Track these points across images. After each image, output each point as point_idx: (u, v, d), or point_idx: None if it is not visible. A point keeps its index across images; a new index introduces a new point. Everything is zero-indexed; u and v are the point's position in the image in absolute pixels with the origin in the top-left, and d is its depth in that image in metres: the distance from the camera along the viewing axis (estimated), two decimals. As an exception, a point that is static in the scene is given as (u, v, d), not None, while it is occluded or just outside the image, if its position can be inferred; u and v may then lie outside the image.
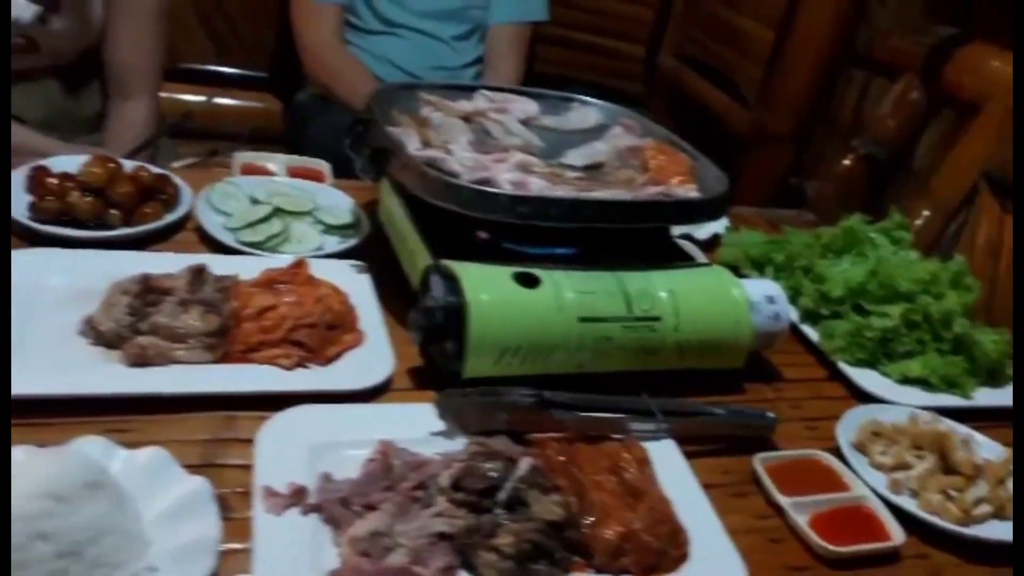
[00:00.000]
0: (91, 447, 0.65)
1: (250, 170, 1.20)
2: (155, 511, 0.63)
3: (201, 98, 1.76)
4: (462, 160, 0.95)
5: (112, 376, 0.76)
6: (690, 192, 0.98)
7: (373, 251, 1.06)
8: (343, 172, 1.20)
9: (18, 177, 1.00)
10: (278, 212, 1.06)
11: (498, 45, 1.89)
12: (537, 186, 0.93)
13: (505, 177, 0.93)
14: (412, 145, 0.96)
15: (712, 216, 0.99)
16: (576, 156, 1.07)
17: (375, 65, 1.83)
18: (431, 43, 1.86)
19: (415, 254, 0.96)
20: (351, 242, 1.07)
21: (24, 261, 0.87)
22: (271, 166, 1.23)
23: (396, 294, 0.97)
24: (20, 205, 0.97)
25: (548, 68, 2.01)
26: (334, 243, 1.07)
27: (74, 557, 0.56)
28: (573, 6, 2.18)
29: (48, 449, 0.62)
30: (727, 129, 2.11)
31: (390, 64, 1.85)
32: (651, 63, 2.44)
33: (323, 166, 1.25)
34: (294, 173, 1.22)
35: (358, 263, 1.01)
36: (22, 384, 0.71)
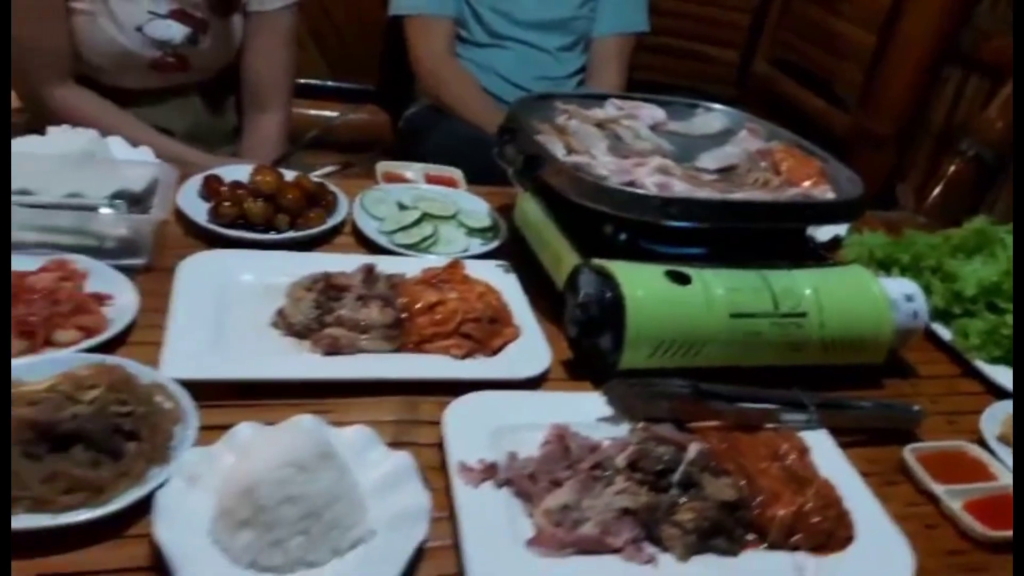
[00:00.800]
0: (310, 423, 0.72)
1: (391, 178, 1.28)
2: (367, 482, 0.70)
3: (333, 113, 1.86)
4: (606, 165, 1.01)
5: (312, 363, 0.83)
6: (827, 194, 1.02)
7: (513, 252, 1.12)
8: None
9: (192, 185, 1.10)
10: (426, 216, 1.13)
11: (602, 56, 1.94)
12: (680, 188, 0.98)
13: (649, 180, 0.98)
14: (559, 152, 1.02)
15: (851, 217, 1.03)
16: (708, 159, 1.12)
17: (482, 76, 1.90)
18: (536, 54, 1.93)
19: (560, 255, 1.01)
20: (493, 244, 1.13)
21: (216, 260, 0.96)
22: (409, 174, 1.30)
23: (539, 292, 1.03)
24: (199, 211, 1.06)
25: (642, 74, 2.05)
26: (477, 245, 1.13)
27: (314, 518, 0.63)
28: (669, 13, 2.22)
29: (278, 425, 0.70)
30: (825, 133, 2.12)
31: (496, 75, 1.92)
32: (745, 68, 2.46)
33: (456, 173, 1.32)
34: (431, 180, 1.29)
35: (503, 263, 1.08)
36: (232, 369, 0.79)
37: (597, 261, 0.91)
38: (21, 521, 0.61)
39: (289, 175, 1.12)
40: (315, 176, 1.22)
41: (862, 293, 0.97)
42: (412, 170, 1.31)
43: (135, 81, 1.46)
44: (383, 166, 1.30)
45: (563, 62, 1.95)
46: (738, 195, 0.99)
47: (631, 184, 0.96)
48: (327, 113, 1.98)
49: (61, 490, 0.63)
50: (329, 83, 2.16)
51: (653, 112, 1.22)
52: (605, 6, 1.92)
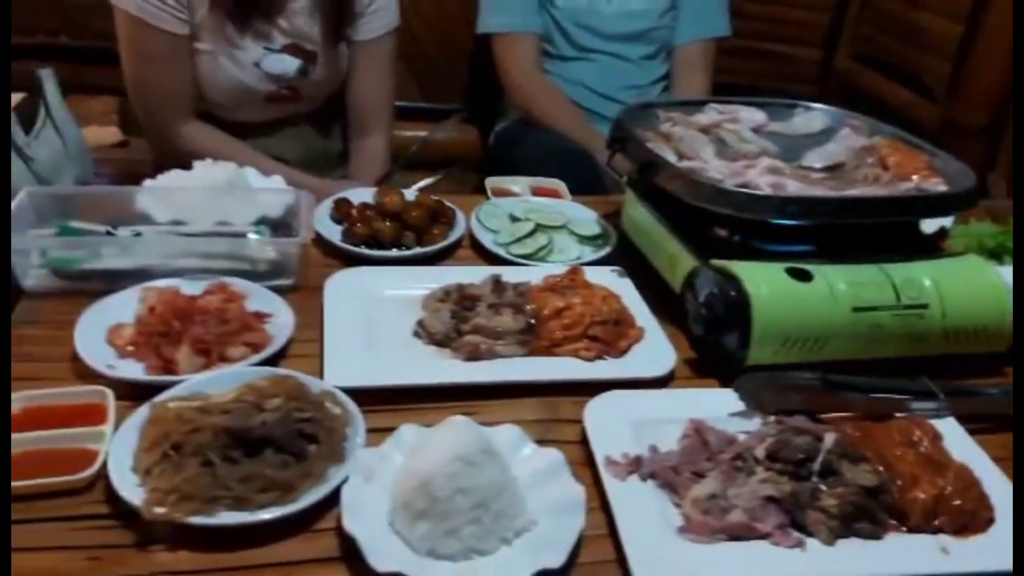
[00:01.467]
0: (466, 423, 0.77)
1: (499, 192, 1.34)
2: (522, 476, 0.75)
3: (422, 133, 1.94)
4: (717, 168, 1.05)
5: (457, 368, 0.89)
6: (939, 186, 1.03)
7: (624, 257, 1.16)
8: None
9: (324, 208, 1.18)
10: (539, 227, 1.18)
11: (685, 63, 1.97)
12: (794, 187, 1.01)
13: (763, 180, 1.01)
14: (670, 158, 1.06)
15: (966, 208, 1.04)
16: (815, 158, 1.14)
17: (570, 89, 1.95)
18: (621, 64, 1.97)
19: (676, 257, 1.05)
20: (605, 250, 1.18)
21: (357, 277, 1.03)
22: (516, 188, 1.36)
23: (654, 294, 1.07)
24: (333, 232, 1.13)
25: (724, 77, 2.07)
26: (590, 252, 1.18)
27: (483, 508, 0.68)
28: (749, 16, 2.23)
29: (437, 425, 0.75)
30: (913, 125, 2.10)
31: (583, 87, 1.97)
32: (827, 65, 2.46)
33: (560, 185, 1.37)
34: (537, 192, 1.35)
35: (617, 268, 1.12)
36: (387, 377, 0.86)
37: (717, 262, 0.95)
38: (223, 518, 0.68)
39: (410, 195, 1.19)
40: (413, 189, 1.29)
41: (981, 282, 0.98)
42: (518, 184, 1.37)
43: (251, 114, 1.55)
44: (491, 181, 1.36)
45: (647, 70, 1.99)
46: (855, 191, 1.01)
47: (745, 186, 1.00)
48: (419, 133, 2.06)
49: (257, 489, 0.70)
50: (420, 104, 2.25)
51: (753, 114, 1.25)
52: (686, 14, 1.95)
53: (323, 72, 1.55)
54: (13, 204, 0.99)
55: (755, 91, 2.26)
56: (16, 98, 1.65)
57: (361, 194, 1.21)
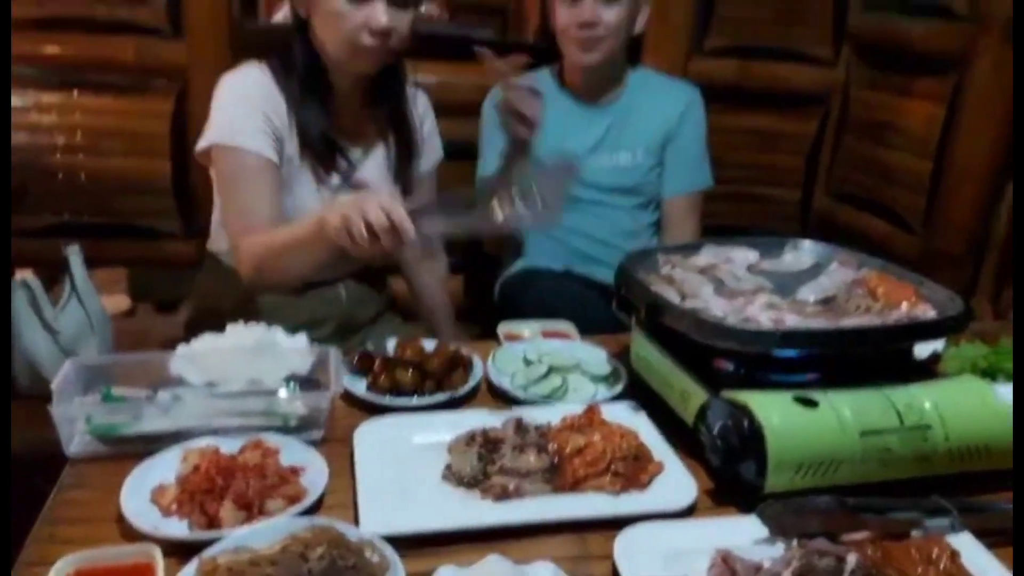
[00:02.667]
0: (502, 564, 0.80)
1: (511, 337, 1.41)
2: (561, 614, 0.77)
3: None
4: (719, 306, 1.12)
5: (488, 509, 0.93)
6: (929, 312, 1.11)
7: (636, 394, 1.21)
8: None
9: (347, 363, 1.24)
10: (553, 369, 1.24)
11: (674, 214, 2.08)
12: (792, 320, 1.08)
13: (763, 316, 1.08)
14: (674, 299, 1.13)
15: (958, 331, 1.10)
16: (808, 292, 1.22)
17: (565, 236, 2.06)
18: (613, 212, 2.08)
19: (687, 392, 1.10)
20: (618, 388, 1.23)
21: (384, 427, 1.08)
22: (526, 332, 1.43)
23: (669, 428, 1.11)
24: (358, 385, 1.19)
25: (711, 220, 2.19)
26: (604, 390, 1.23)
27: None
28: (731, 164, 2.39)
29: (474, 566, 0.78)
30: (893, 255, 2.21)
31: (578, 233, 2.07)
32: (806, 204, 2.60)
33: (569, 327, 1.44)
34: (547, 335, 1.42)
35: (631, 403, 1.17)
36: (422, 523, 0.89)
37: (728, 393, 1.01)
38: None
39: (428, 344, 1.26)
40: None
41: (980, 402, 1.03)
42: (529, 328, 1.44)
43: None
44: (503, 327, 1.43)
45: (639, 218, 2.10)
46: (850, 322, 1.08)
47: (747, 321, 1.07)
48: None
49: (307, 637, 0.72)
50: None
51: (746, 254, 1.34)
52: (670, 171, 2.08)
53: None
54: (58, 378, 1.05)
55: (742, 232, 2.40)
56: (31, 273, 1.74)
57: (381, 348, 1.27)
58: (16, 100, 1.96)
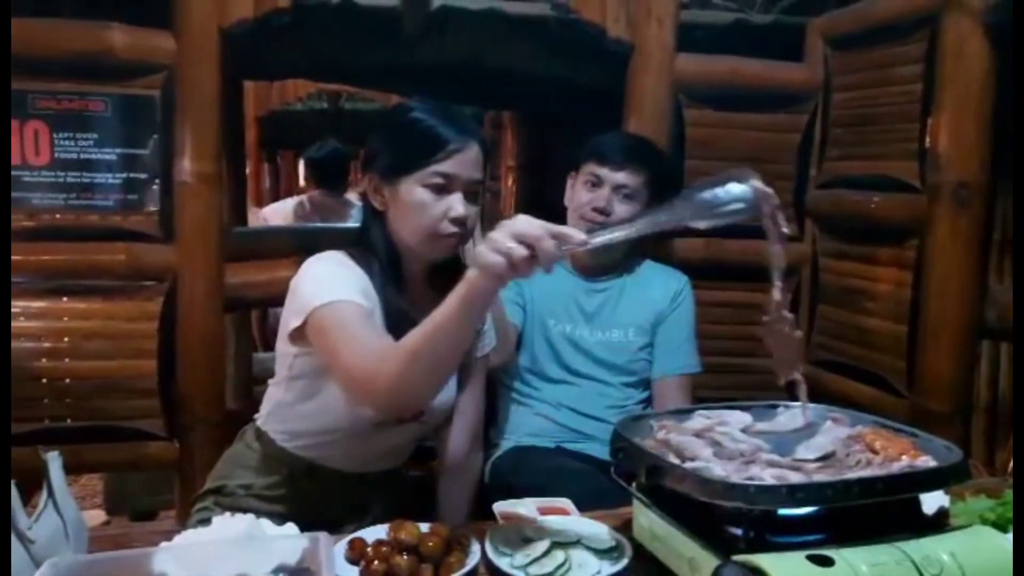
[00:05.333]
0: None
1: (507, 516, 1.36)
2: None
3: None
4: (721, 466, 1.10)
5: None
6: (930, 463, 1.09)
7: (643, 566, 1.16)
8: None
9: (338, 550, 1.18)
10: (555, 545, 1.19)
11: (664, 394, 2.10)
12: (796, 477, 1.06)
13: (766, 474, 1.06)
14: (674, 461, 1.12)
15: (961, 479, 1.09)
16: (806, 451, 1.20)
17: (555, 412, 2.05)
18: (604, 388, 2.09)
19: (695, 559, 1.06)
20: (623, 562, 1.18)
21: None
22: (522, 510, 1.38)
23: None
24: (352, 574, 1.13)
25: (704, 393, 2.20)
26: (609, 566, 1.18)
27: None
28: (715, 337, 2.43)
29: None
30: (884, 417, 2.21)
31: (568, 409, 2.07)
32: (789, 373, 2.62)
33: (566, 503, 1.40)
34: (544, 512, 1.37)
35: (638, 578, 1.12)
36: None
37: (740, 557, 0.96)
38: None
39: (424, 526, 1.21)
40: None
41: (996, 551, 1.00)
42: (524, 506, 1.40)
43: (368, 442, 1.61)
44: (499, 506, 1.39)
45: (629, 395, 2.11)
46: (856, 474, 1.07)
47: (752, 479, 1.04)
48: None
49: None
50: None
51: (740, 417, 1.34)
52: (660, 352, 2.12)
53: (446, 395, 1.62)
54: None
55: (728, 402, 2.40)
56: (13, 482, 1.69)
57: (374, 532, 1.22)
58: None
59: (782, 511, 1.03)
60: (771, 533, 1.04)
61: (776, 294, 1.26)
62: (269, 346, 3.92)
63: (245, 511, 1.50)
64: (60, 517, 1.75)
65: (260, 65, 2.62)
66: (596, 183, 2.03)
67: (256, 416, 1.74)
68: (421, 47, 2.54)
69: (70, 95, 1.96)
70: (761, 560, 0.94)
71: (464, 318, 1.24)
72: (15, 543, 1.67)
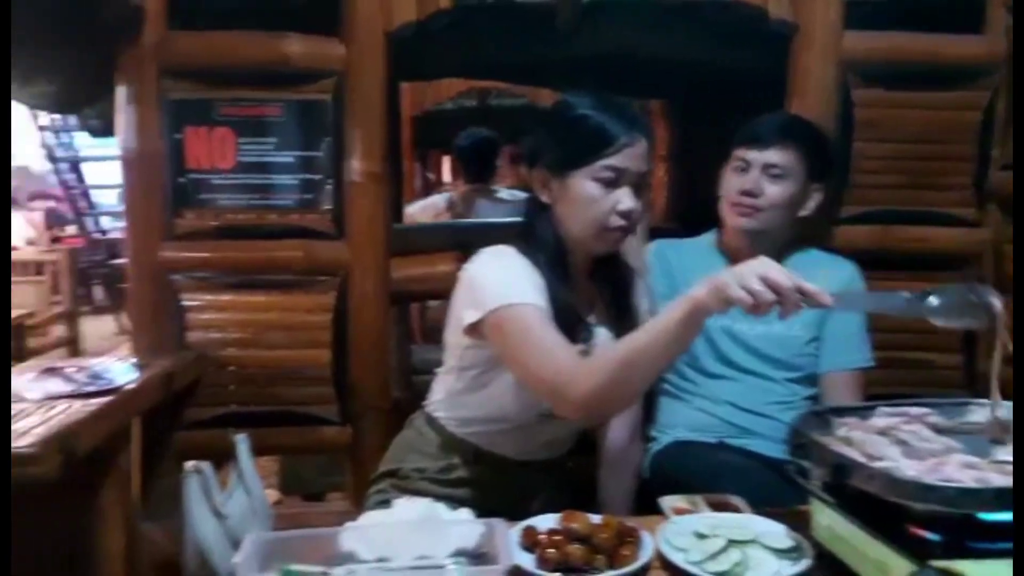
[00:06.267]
0: None
1: (678, 510, 1.35)
2: None
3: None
4: (912, 466, 1.04)
5: None
6: None
7: (825, 568, 1.12)
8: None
9: (513, 535, 1.21)
10: (731, 543, 1.17)
11: (833, 389, 2.00)
12: (1000, 480, 0.99)
13: (964, 475, 1.00)
14: (861, 460, 1.07)
15: None
16: (1006, 454, 1.12)
17: (716, 407, 2.00)
18: (766, 383, 2.02)
19: (886, 563, 1.01)
20: (803, 563, 1.14)
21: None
22: (690, 505, 1.37)
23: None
24: (527, 560, 1.15)
25: (875, 390, 2.08)
26: (789, 566, 1.14)
27: None
28: (883, 331, 2.30)
29: None
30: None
31: (730, 405, 2.01)
32: (970, 367, 2.44)
33: (738, 500, 1.37)
34: (714, 507, 1.35)
35: (823, 579, 1.08)
36: None
37: (940, 563, 0.91)
38: None
39: (595, 517, 1.22)
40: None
41: None
42: (693, 501, 1.38)
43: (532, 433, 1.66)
44: (667, 500, 1.38)
45: (794, 390, 2.03)
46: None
47: (948, 481, 0.98)
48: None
49: None
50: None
51: (926, 414, 1.26)
52: (828, 346, 2.02)
53: None
54: (241, 554, 1.07)
55: (903, 399, 2.26)
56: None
57: (546, 520, 1.24)
58: (196, 300, 2.15)
59: (984, 516, 0.96)
60: (970, 538, 0.97)
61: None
62: (428, 339, 4.05)
63: (419, 494, 1.58)
64: (249, 496, 1.89)
65: (419, 66, 2.71)
66: (744, 167, 1.96)
67: (425, 403, 1.81)
68: (574, 40, 2.54)
69: (251, 102, 2.10)
70: (964, 568, 0.89)
71: (681, 335, 1.26)
72: (211, 518, 1.82)
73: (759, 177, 1.92)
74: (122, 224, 2.29)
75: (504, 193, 4.31)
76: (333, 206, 2.18)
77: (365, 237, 2.21)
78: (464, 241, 2.47)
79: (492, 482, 1.67)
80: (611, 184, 1.51)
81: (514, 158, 6.04)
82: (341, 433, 2.24)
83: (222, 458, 1.89)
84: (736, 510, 1.35)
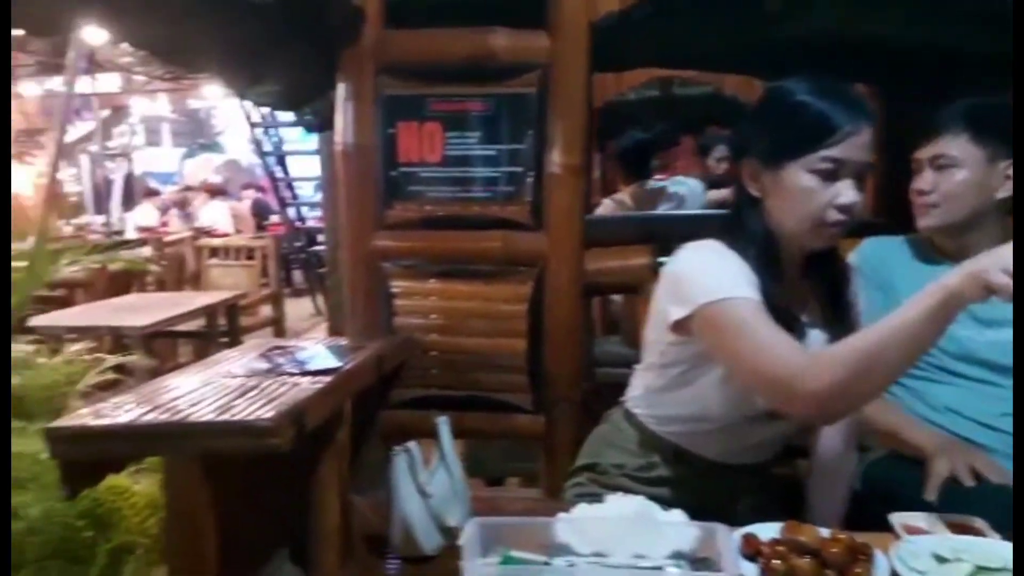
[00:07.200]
0: None
1: (910, 530, 1.25)
2: None
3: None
4: None
5: None
6: None
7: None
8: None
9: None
10: (980, 569, 1.07)
11: None
12: None
13: None
14: None
15: None
16: None
17: (936, 415, 1.85)
18: (995, 390, 1.85)
19: None
20: (1068, 600, 1.02)
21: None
22: (925, 524, 1.27)
23: None
24: (751, 570, 1.11)
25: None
26: (1048, 602, 1.03)
27: None
28: None
29: None
30: None
31: (953, 412, 1.85)
32: None
33: (980, 523, 1.26)
34: (954, 529, 1.24)
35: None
36: None
37: None
38: None
39: (823, 531, 1.15)
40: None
41: None
42: (928, 520, 1.29)
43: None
44: (898, 517, 1.28)
45: (1027, 399, 1.84)
46: None
47: None
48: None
49: None
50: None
51: None
52: None
53: None
54: (466, 536, 1.11)
55: None
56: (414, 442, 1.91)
57: (768, 529, 1.19)
58: (403, 287, 2.25)
59: None
60: None
61: None
62: (609, 331, 4.04)
63: (619, 489, 1.56)
64: (451, 477, 1.96)
65: (616, 57, 2.68)
66: (918, 167, 1.84)
67: (623, 398, 1.80)
68: (783, 23, 2.43)
69: (459, 97, 2.16)
70: None
71: (929, 328, 1.18)
72: (417, 496, 1.90)
73: (930, 172, 1.80)
74: (319, 214, 2.44)
75: (675, 187, 4.33)
76: (533, 198, 2.20)
77: (562, 229, 2.22)
78: (655, 233, 2.44)
79: (694, 483, 1.63)
80: (830, 176, 1.42)
81: (698, 148, 5.91)
82: (534, 422, 2.28)
83: (420, 438, 1.97)
84: (979, 533, 1.23)
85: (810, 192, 1.43)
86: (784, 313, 1.47)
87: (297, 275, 9.89)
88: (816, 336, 1.56)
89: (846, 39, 2.52)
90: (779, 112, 1.52)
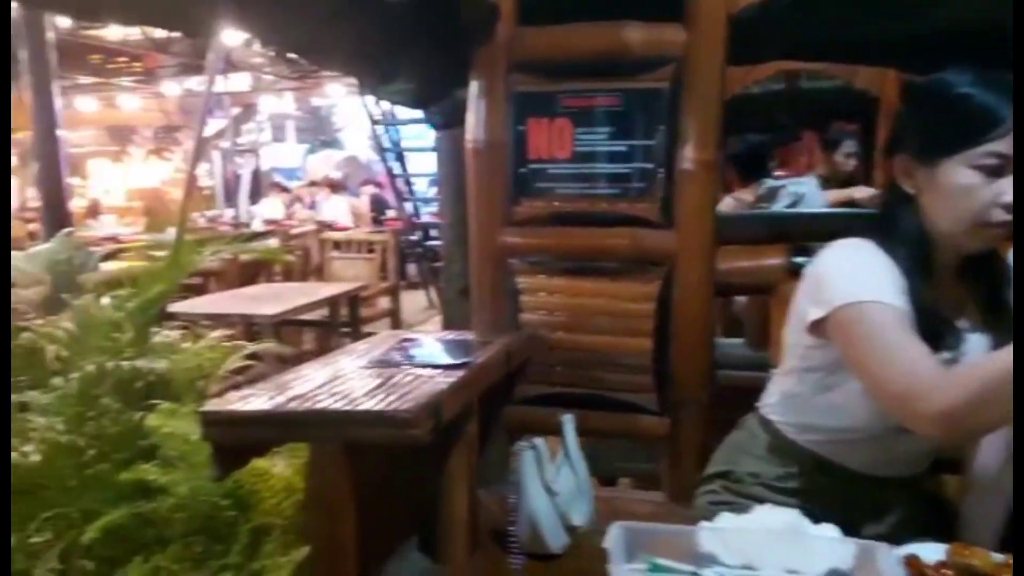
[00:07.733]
0: None
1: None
2: None
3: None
4: None
5: None
6: None
7: None
8: None
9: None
10: None
11: None
12: None
13: None
14: None
15: None
16: None
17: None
18: None
19: None
20: None
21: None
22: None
23: None
24: (910, 591, 1.05)
25: None
26: None
27: None
28: None
29: None
30: None
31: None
32: None
33: None
34: None
35: None
36: None
37: None
38: None
39: (998, 556, 1.08)
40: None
41: None
42: None
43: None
44: None
45: None
46: None
47: None
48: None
49: None
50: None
51: None
52: None
53: None
54: (611, 540, 1.09)
55: None
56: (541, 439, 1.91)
57: (929, 550, 1.12)
58: (529, 283, 2.25)
59: None
60: None
61: None
62: (729, 332, 3.94)
63: (754, 499, 1.51)
64: (576, 475, 1.95)
65: (751, 49, 2.59)
66: (998, 167, 1.43)
67: (759, 404, 1.73)
68: (928, 12, 2.29)
69: (590, 93, 2.13)
70: None
71: None
72: (543, 493, 1.90)
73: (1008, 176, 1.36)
74: (434, 209, 2.46)
75: (795, 186, 4.21)
76: (663, 194, 2.15)
77: (693, 227, 2.16)
78: (788, 233, 2.34)
79: (836, 495, 1.55)
80: (994, 172, 1.33)
81: (824, 144, 5.69)
82: (659, 423, 2.23)
83: (544, 435, 1.96)
84: None
85: (971, 189, 1.34)
86: (935, 318, 1.39)
87: (412, 269, 10.10)
88: (977, 341, 1.46)
89: (994, 29, 2.35)
90: (939, 104, 1.43)
